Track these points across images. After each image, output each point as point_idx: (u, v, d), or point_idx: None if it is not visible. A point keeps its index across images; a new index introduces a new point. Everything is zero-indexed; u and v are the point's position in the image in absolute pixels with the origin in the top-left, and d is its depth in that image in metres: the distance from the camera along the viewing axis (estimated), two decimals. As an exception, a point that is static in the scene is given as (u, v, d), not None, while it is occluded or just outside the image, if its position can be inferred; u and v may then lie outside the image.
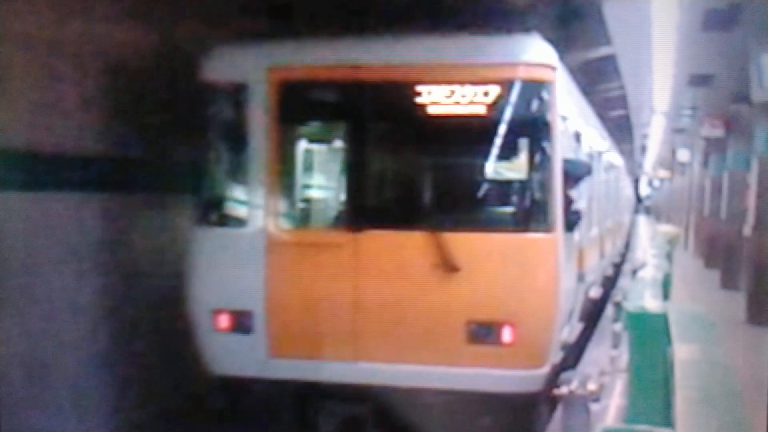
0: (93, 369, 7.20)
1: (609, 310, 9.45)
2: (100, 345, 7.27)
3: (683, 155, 27.79)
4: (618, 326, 7.53)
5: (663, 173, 42.40)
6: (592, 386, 4.10)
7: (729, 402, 3.01)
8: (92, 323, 7.18)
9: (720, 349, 3.97)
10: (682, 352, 3.79)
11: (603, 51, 13.24)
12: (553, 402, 6.32)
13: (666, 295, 8.55)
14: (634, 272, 9.65)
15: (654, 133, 27.45)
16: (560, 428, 4.34)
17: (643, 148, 35.48)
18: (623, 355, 6.25)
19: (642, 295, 6.94)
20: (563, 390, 4.12)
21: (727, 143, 18.00)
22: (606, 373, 6.25)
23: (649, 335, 4.80)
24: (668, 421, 3.25)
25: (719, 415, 2.87)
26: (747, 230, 13.99)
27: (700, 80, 15.21)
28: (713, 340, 4.21)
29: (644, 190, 58.75)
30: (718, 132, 17.92)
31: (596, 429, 3.95)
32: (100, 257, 7.26)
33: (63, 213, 6.76)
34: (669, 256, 12.41)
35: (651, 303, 5.84)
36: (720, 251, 18.10)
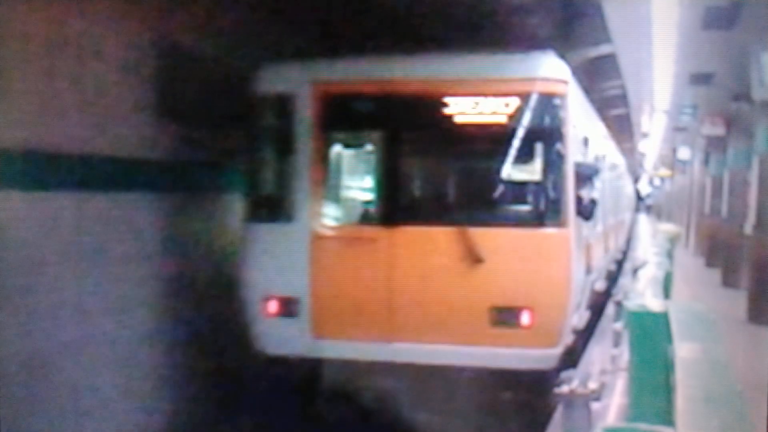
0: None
1: (610, 309, 9.48)
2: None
3: (684, 154, 27.77)
4: (619, 325, 7.52)
5: (664, 172, 42.34)
6: (592, 385, 4.10)
7: (730, 401, 3.01)
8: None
9: (721, 347, 3.96)
10: (683, 350, 3.79)
11: (604, 49, 13.23)
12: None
13: (667, 294, 8.54)
14: (635, 271, 9.64)
15: (655, 131, 27.42)
16: (561, 427, 4.33)
17: (644, 147, 35.44)
18: (624, 354, 6.24)
19: (643, 293, 6.95)
20: (564, 389, 4.11)
21: (727, 142, 17.99)
22: (607, 372, 6.25)
23: (650, 334, 4.79)
24: (669, 420, 3.25)
25: (720, 413, 2.87)
26: (748, 228, 13.99)
27: (700, 79, 15.20)
28: (714, 339, 4.20)
29: (645, 189, 58.70)
30: (719, 130, 17.90)
31: (597, 428, 3.95)
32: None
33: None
34: (670, 255, 12.40)
35: (652, 301, 5.83)
36: (721, 250, 18.09)
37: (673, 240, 16.50)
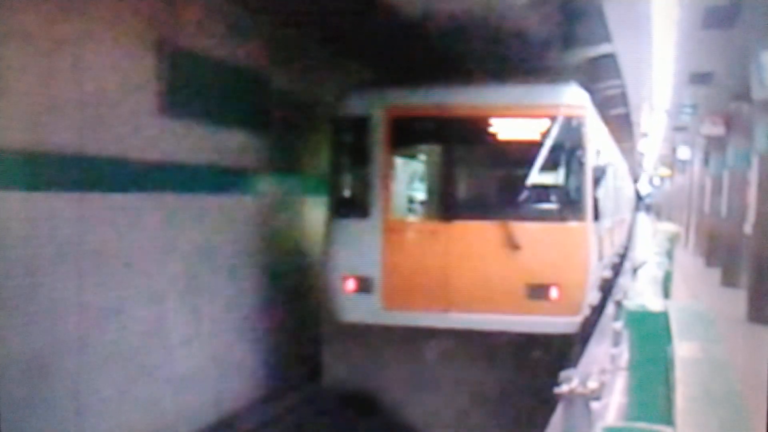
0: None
1: (610, 308, 9.54)
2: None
3: (684, 153, 27.76)
4: (618, 324, 7.52)
5: (663, 171, 42.34)
6: (592, 384, 4.09)
7: (729, 400, 3.00)
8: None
9: (720, 347, 3.96)
10: (682, 350, 3.78)
11: (604, 49, 13.21)
12: (584, 340, 9.18)
13: (666, 293, 8.55)
14: (635, 270, 9.65)
15: (654, 131, 27.42)
16: (561, 427, 4.33)
17: (644, 146, 35.42)
18: (624, 354, 6.24)
19: (642, 293, 6.94)
20: (564, 388, 4.11)
21: (727, 141, 17.98)
22: (606, 371, 6.25)
23: (650, 333, 4.79)
24: (668, 419, 3.25)
25: (719, 413, 2.86)
26: (747, 228, 13.98)
27: (700, 78, 15.20)
28: (714, 338, 4.20)
29: (645, 189, 58.69)
30: (719, 130, 17.89)
31: (597, 427, 3.94)
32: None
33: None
34: (669, 254, 12.39)
35: (651, 301, 5.83)
36: (720, 249, 18.09)
37: (672, 239, 16.48)
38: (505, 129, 9.31)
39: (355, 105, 9.55)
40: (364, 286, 9.27)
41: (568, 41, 12.26)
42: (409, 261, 9.26)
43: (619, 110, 21.79)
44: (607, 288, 11.86)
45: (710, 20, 10.68)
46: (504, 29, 10.54)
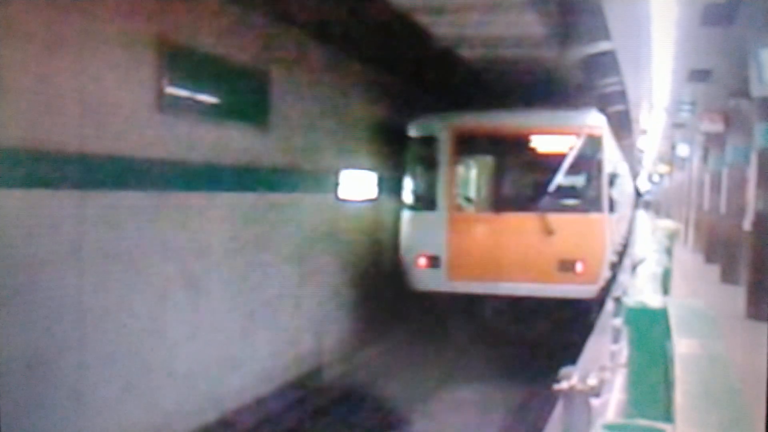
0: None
1: (609, 305, 9.56)
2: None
3: (683, 150, 27.73)
4: (618, 321, 7.53)
5: (662, 168, 42.30)
6: (592, 381, 4.11)
7: (729, 396, 3.01)
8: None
9: (720, 343, 3.96)
10: (681, 346, 3.79)
11: (603, 46, 13.21)
12: (600, 304, 11.93)
13: (666, 290, 8.54)
14: (634, 267, 9.65)
15: (653, 128, 27.40)
16: (561, 423, 4.34)
17: (643, 144, 35.40)
18: (623, 350, 6.25)
19: (642, 290, 6.94)
20: (563, 385, 4.12)
21: (726, 138, 17.97)
22: (606, 368, 6.26)
23: (649, 330, 4.79)
24: (668, 416, 3.25)
25: (719, 409, 2.87)
26: (747, 225, 13.98)
27: (699, 75, 15.18)
28: (713, 335, 4.20)
29: (644, 186, 58.66)
30: (718, 127, 17.87)
31: (596, 424, 3.95)
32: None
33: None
34: (669, 251, 12.40)
35: (651, 298, 5.83)
36: (720, 246, 18.09)
37: (671, 236, 16.47)
38: (541, 144, 12.24)
39: (426, 126, 12.63)
40: (433, 262, 12.06)
41: (568, 39, 12.31)
42: (467, 243, 12.07)
43: (619, 107, 21.78)
44: (613, 268, 14.29)
45: (709, 17, 10.67)
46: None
